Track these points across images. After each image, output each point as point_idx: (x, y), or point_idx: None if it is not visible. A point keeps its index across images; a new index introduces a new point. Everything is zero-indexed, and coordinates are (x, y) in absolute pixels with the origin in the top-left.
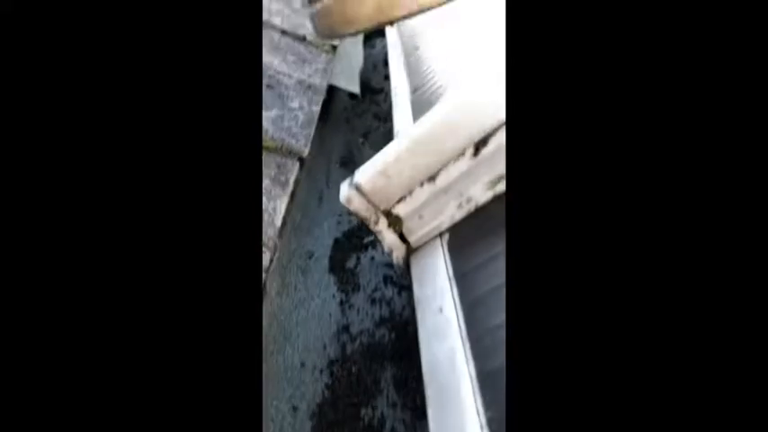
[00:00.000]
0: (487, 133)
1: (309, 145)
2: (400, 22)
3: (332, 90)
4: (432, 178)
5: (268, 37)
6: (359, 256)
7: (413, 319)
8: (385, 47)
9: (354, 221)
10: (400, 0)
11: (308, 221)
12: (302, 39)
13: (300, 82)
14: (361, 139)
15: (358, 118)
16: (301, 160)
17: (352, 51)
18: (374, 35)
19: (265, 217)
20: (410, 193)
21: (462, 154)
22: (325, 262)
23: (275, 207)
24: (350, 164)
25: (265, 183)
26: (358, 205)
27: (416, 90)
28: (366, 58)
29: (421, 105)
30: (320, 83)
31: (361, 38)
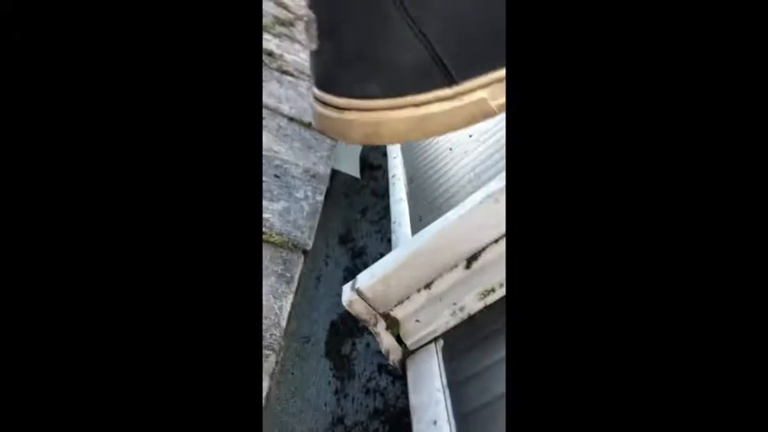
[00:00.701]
0: (479, 249)
1: (313, 237)
2: None
3: (332, 171)
4: (428, 285)
5: (275, 124)
6: (354, 342)
7: (407, 410)
8: None
9: None
10: (384, 134)
11: (305, 302)
12: (308, 125)
13: (306, 170)
14: (359, 216)
15: (356, 194)
16: (305, 253)
17: None
18: None
19: (271, 317)
20: (408, 297)
21: (456, 266)
22: (321, 346)
23: (281, 306)
24: (348, 241)
25: (271, 280)
26: (358, 308)
27: (412, 182)
28: None
29: (417, 199)
30: (324, 171)
31: None
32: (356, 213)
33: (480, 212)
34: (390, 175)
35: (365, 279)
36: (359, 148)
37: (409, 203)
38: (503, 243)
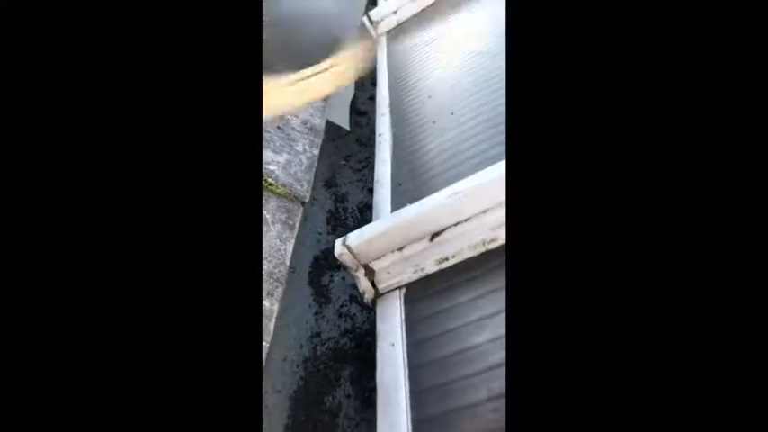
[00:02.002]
0: (441, 229)
1: (310, 190)
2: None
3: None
4: (400, 249)
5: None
6: (332, 275)
7: (368, 332)
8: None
9: (332, 241)
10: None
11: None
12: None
13: (304, 122)
14: (343, 162)
15: (341, 139)
16: (303, 204)
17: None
18: None
19: (278, 257)
20: (383, 255)
21: (422, 238)
22: (305, 277)
23: (285, 249)
24: (332, 186)
25: (278, 227)
26: (346, 258)
27: (396, 144)
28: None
29: (399, 164)
30: (319, 123)
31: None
32: (340, 159)
33: (446, 205)
34: (377, 133)
35: (354, 238)
36: (349, 99)
37: (392, 166)
38: (460, 226)
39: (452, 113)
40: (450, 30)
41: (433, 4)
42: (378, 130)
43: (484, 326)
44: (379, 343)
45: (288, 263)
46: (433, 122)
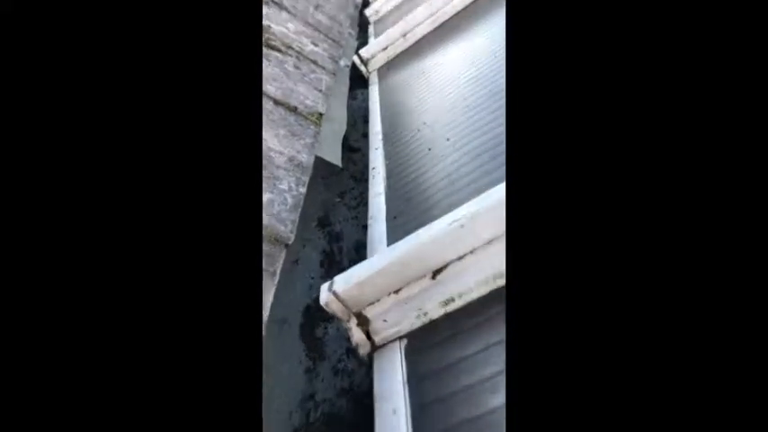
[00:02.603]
0: (444, 264)
1: (295, 231)
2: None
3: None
4: (397, 291)
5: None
6: (326, 326)
7: (370, 391)
8: (365, 99)
9: None
10: None
11: (282, 283)
12: (293, 109)
13: (290, 159)
14: (337, 199)
15: (335, 176)
16: (287, 247)
17: (337, 115)
18: (357, 86)
19: None
20: (378, 300)
21: (423, 276)
22: (296, 329)
23: (266, 299)
24: (326, 225)
25: None
26: (334, 307)
27: (390, 177)
28: (349, 107)
29: (394, 197)
30: (307, 159)
31: (345, 98)
32: (334, 196)
33: (447, 234)
34: (371, 167)
35: (341, 283)
36: (341, 135)
37: (386, 199)
38: (466, 260)
39: (448, 139)
40: (441, 60)
41: (422, 39)
42: (371, 164)
43: (499, 383)
44: (377, 407)
45: (267, 315)
46: (429, 150)
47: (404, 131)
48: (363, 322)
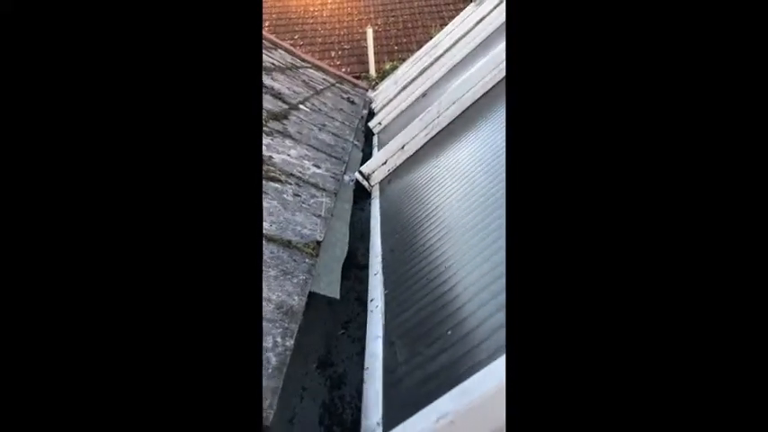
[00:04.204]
0: None
1: (276, 406)
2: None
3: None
4: None
5: None
6: None
7: None
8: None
9: None
10: None
11: None
12: (287, 244)
13: (279, 306)
14: (341, 331)
15: (340, 303)
16: (267, 429)
17: (338, 238)
18: (363, 197)
19: None
20: None
21: None
22: None
23: None
24: (327, 365)
25: None
26: None
27: (388, 309)
28: (354, 224)
29: (394, 336)
30: (298, 303)
31: (349, 215)
32: (338, 328)
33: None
34: (369, 298)
35: None
36: (342, 260)
37: (384, 346)
38: None
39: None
40: (436, 173)
41: (419, 150)
42: (370, 295)
43: None
44: None
45: None
46: (428, 281)
47: (405, 253)
48: None
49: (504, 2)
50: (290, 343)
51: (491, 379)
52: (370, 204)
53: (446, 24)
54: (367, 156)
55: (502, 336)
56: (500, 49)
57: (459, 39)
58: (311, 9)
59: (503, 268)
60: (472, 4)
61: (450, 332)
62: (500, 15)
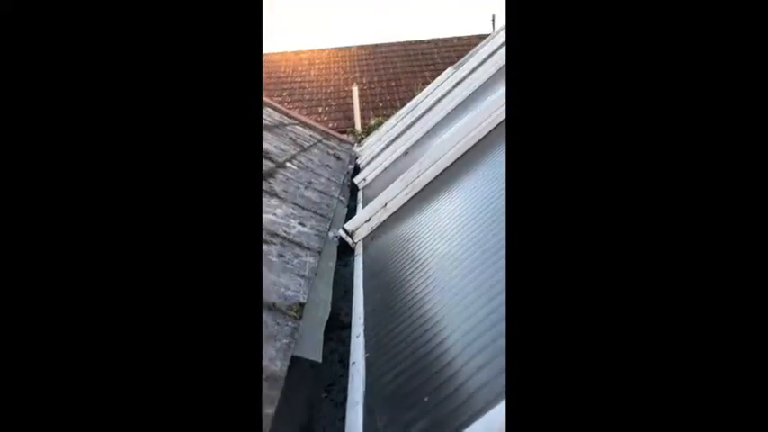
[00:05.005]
0: None
1: None
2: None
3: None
4: None
5: None
6: None
7: None
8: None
9: None
10: None
11: None
12: (271, 307)
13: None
14: (324, 394)
15: (322, 365)
16: None
17: (321, 298)
18: (347, 254)
19: None
20: None
21: None
22: None
23: None
24: None
25: None
26: None
27: (370, 372)
28: (337, 281)
29: (375, 401)
30: (280, 369)
31: (332, 272)
32: (321, 391)
33: None
34: (351, 361)
35: None
36: (324, 322)
37: (364, 414)
38: None
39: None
40: (417, 232)
41: (401, 208)
42: (351, 358)
43: None
44: None
45: None
46: (409, 344)
47: (386, 313)
48: None
49: (481, 68)
50: (270, 411)
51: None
52: (353, 261)
53: (428, 83)
54: (352, 211)
55: (480, 398)
56: (477, 112)
57: (438, 101)
58: (299, 69)
59: (482, 328)
60: (450, 67)
61: (429, 397)
62: (476, 80)
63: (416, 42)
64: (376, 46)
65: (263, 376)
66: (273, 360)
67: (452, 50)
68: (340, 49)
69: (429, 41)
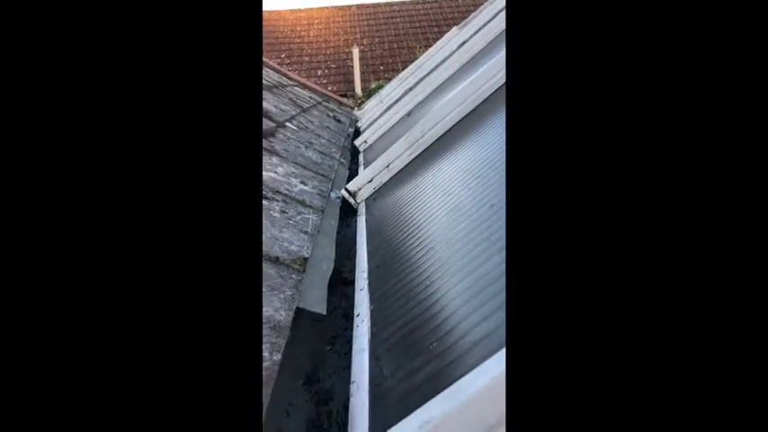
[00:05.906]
0: None
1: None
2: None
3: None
4: None
5: None
6: None
7: None
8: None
9: None
10: None
11: None
12: (275, 260)
13: (266, 321)
14: (328, 346)
15: (327, 319)
16: None
17: (325, 254)
18: (349, 214)
19: None
20: None
21: None
22: None
23: None
24: (314, 382)
25: None
26: None
27: (375, 323)
28: (340, 240)
29: (380, 348)
30: (286, 318)
31: (335, 231)
32: (325, 344)
33: None
34: (355, 313)
35: None
36: (328, 277)
37: (370, 358)
38: None
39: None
40: (421, 192)
41: (404, 169)
42: (356, 310)
43: None
44: None
45: None
46: (415, 295)
47: (390, 269)
48: None
49: (485, 28)
50: (277, 357)
51: (473, 385)
52: (356, 221)
53: (430, 45)
54: (353, 173)
55: (485, 346)
56: (482, 71)
57: (443, 61)
58: (298, 29)
59: (485, 281)
60: (455, 27)
61: (435, 344)
62: (481, 40)
63: (420, 2)
64: (377, 5)
65: (270, 325)
66: (278, 310)
67: (456, 11)
68: (340, 8)
69: (433, 1)
